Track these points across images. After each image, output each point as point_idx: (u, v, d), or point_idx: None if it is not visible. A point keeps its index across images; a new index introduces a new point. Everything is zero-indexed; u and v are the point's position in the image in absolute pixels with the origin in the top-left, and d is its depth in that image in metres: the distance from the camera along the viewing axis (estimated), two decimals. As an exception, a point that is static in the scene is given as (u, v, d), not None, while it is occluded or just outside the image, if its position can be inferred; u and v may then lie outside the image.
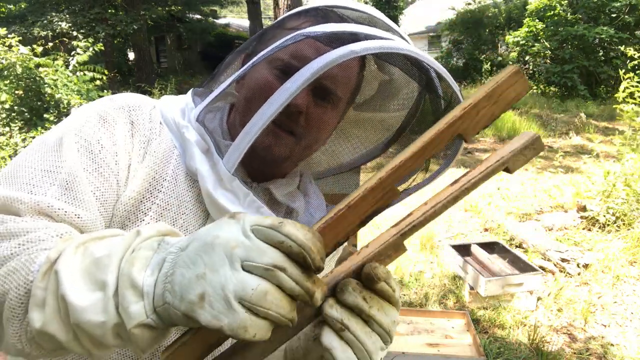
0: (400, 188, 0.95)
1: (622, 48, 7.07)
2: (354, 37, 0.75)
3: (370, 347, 0.58)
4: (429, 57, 0.79)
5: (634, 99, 5.17)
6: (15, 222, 0.67)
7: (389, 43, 0.75)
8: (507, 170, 0.57)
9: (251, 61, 0.79)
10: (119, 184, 0.81)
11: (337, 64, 0.72)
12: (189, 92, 0.92)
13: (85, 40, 7.88)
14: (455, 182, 0.59)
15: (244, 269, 0.50)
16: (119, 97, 0.88)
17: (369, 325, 0.58)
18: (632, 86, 5.14)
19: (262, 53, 0.78)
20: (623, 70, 5.38)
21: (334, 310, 0.57)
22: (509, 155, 0.57)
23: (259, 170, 0.90)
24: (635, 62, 5.55)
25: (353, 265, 0.58)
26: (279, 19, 0.91)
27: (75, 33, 7.28)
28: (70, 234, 0.68)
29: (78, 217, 0.73)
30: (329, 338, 0.58)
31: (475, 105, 0.56)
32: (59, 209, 0.72)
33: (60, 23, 13.07)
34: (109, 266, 0.55)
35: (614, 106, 5.70)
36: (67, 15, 13.68)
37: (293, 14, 0.89)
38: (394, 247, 0.57)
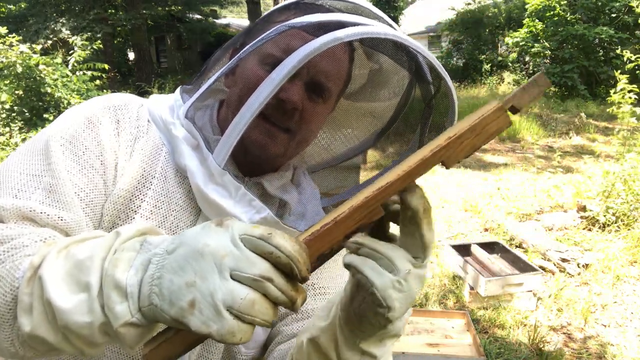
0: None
1: (618, 51, 7.03)
2: (340, 25, 0.75)
3: (390, 253, 0.59)
4: (415, 43, 0.78)
5: (629, 99, 5.16)
6: None
7: (373, 29, 0.75)
8: (514, 109, 0.60)
9: (237, 55, 0.79)
10: (106, 183, 0.81)
11: (327, 55, 0.73)
12: (177, 89, 0.92)
13: (82, 38, 7.87)
14: (468, 117, 0.62)
15: (232, 278, 0.51)
16: (106, 97, 0.89)
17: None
18: (626, 86, 5.12)
19: (247, 46, 0.78)
20: (619, 71, 5.35)
21: (349, 241, 0.60)
22: (513, 95, 0.60)
23: (251, 165, 0.90)
24: (634, 64, 5.52)
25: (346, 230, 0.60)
26: (266, 13, 0.91)
27: (76, 37, 7.29)
28: (54, 239, 0.69)
29: (61, 220, 0.74)
30: (348, 257, 0.60)
31: (460, 136, 0.59)
32: (41, 212, 0.72)
33: (61, 29, 13.03)
34: (91, 268, 0.57)
35: (609, 110, 5.70)
36: (68, 21, 13.63)
37: (280, 8, 0.89)
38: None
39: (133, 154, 0.84)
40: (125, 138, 0.84)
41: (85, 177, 0.79)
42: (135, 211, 0.82)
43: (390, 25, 0.86)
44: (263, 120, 0.81)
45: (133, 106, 0.88)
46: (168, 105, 0.90)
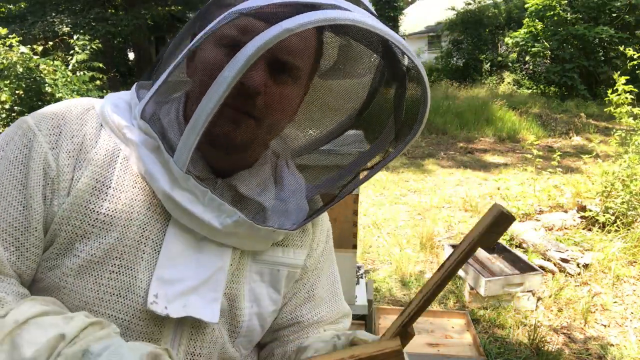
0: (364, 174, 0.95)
1: (621, 48, 7.02)
2: (295, 9, 0.69)
3: None
4: (369, 22, 0.70)
5: (628, 100, 5.15)
6: None
7: (325, 14, 0.68)
8: (485, 248, 0.71)
9: (184, 50, 0.74)
10: (30, 206, 0.76)
11: (290, 35, 0.67)
12: (134, 86, 0.86)
13: (82, 38, 7.87)
14: (439, 268, 0.70)
15: None
16: (50, 106, 0.84)
17: None
18: (623, 88, 5.11)
19: (194, 40, 0.73)
20: (618, 73, 5.32)
21: None
22: (479, 236, 0.66)
23: (222, 161, 0.83)
24: (635, 62, 5.50)
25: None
26: None
27: (76, 36, 7.28)
28: None
29: None
30: None
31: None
32: None
33: (60, 26, 13.02)
34: None
35: (606, 110, 5.69)
36: (68, 19, 13.63)
37: None
38: (401, 336, 0.72)
39: (82, 164, 0.78)
40: (66, 149, 0.78)
41: (4, 200, 0.75)
42: (93, 225, 0.76)
43: None
44: (224, 108, 0.73)
45: (75, 114, 0.82)
46: (126, 104, 0.84)
